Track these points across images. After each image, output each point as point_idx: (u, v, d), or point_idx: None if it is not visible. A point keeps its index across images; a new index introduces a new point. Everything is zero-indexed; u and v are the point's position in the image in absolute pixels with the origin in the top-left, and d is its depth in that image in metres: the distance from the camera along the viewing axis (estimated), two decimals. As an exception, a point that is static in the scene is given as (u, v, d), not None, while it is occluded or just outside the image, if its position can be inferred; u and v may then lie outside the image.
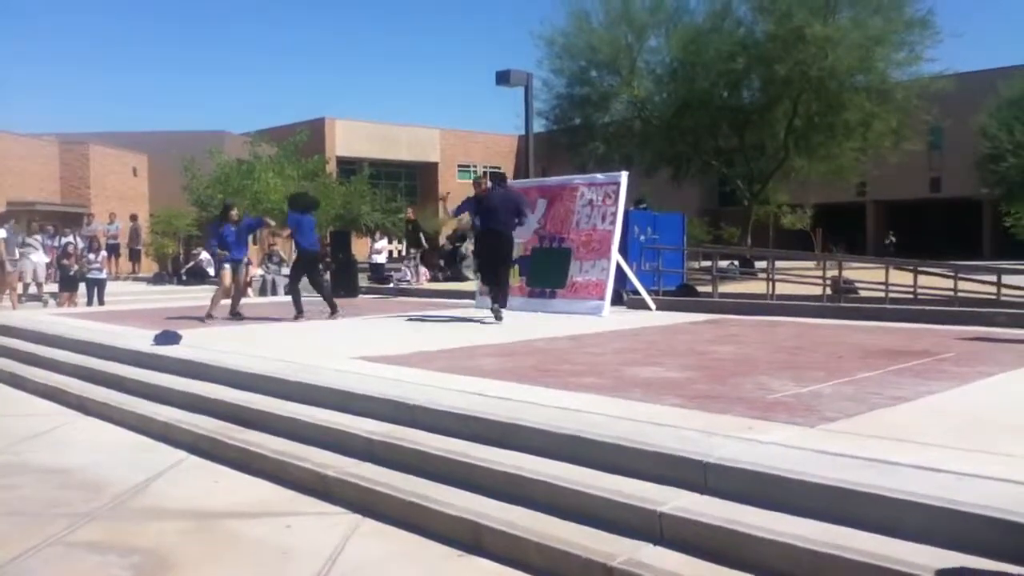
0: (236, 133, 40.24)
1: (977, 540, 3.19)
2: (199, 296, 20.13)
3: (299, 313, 11.96)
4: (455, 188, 58.76)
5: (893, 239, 40.47)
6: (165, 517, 4.84)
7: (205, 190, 28.81)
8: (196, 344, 8.79)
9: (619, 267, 12.59)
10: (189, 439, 6.31)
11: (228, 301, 12.50)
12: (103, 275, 18.86)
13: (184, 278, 23.24)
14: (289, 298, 12.44)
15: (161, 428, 6.67)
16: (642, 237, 15.18)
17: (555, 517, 4.07)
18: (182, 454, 6.15)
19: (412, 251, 22.83)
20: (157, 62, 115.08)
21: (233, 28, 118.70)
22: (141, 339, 9.17)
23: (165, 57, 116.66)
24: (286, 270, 23.07)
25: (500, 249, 11.26)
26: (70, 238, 22.05)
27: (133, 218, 27.23)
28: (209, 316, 11.79)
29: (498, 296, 11.25)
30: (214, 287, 21.84)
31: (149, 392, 7.52)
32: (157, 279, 24.18)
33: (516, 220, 11.30)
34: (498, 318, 11.04)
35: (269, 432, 5.97)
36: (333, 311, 12.07)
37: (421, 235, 22.93)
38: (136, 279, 25.02)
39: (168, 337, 8.91)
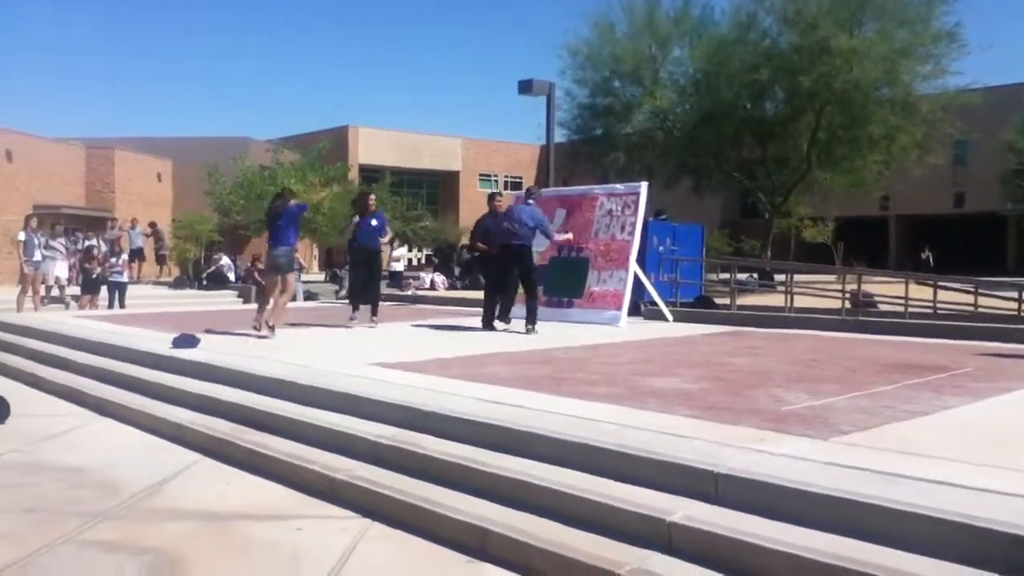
0: (260, 140, 40.60)
1: (991, 555, 3.16)
2: (220, 301, 20.33)
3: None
4: (476, 197, 58.84)
5: (930, 254, 39.65)
6: (177, 518, 4.86)
7: (228, 196, 29.02)
8: (214, 347, 8.84)
9: (637, 278, 12.56)
10: (202, 441, 6.35)
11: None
12: (124, 279, 19.04)
13: (205, 283, 23.39)
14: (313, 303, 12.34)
15: (175, 430, 6.71)
16: (661, 248, 15.13)
17: (563, 524, 4.06)
18: (195, 456, 6.18)
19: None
20: (184, 70, 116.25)
21: (259, 37, 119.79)
22: (159, 342, 9.24)
23: (192, 65, 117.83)
24: (305, 276, 23.26)
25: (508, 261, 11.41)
26: (93, 241, 22.28)
27: (152, 225, 27.49)
28: (271, 327, 10.14)
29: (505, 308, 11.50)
30: (232, 291, 22.10)
31: (165, 394, 7.57)
32: (178, 283, 24.36)
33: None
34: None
35: (282, 435, 5.99)
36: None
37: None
38: (157, 283, 25.22)
39: (186, 340, 8.97)
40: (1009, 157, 34.28)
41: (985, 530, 3.22)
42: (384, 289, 21.05)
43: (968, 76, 22.94)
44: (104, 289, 18.50)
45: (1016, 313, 11.29)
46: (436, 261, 29.08)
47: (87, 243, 21.99)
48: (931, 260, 38.40)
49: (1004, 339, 9.59)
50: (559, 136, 24.80)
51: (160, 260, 27.16)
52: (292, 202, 10.58)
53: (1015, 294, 11.79)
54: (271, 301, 10.47)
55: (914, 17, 21.95)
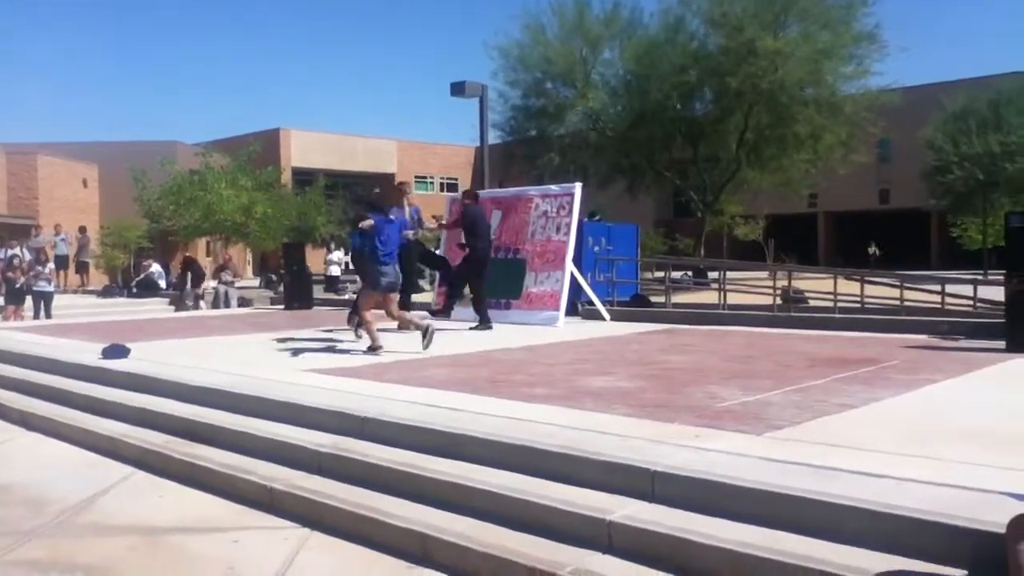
0: (188, 143, 39.79)
1: (915, 543, 3.27)
2: (151, 308, 19.89)
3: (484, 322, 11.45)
4: (411, 200, 58.39)
5: (877, 250, 40.08)
6: (110, 533, 4.76)
7: (156, 201, 28.42)
8: (145, 357, 8.66)
9: (573, 278, 12.64)
10: (137, 454, 6.21)
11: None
12: (50, 288, 18.53)
13: (134, 290, 22.88)
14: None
15: (108, 443, 6.56)
16: (596, 248, 15.23)
17: (504, 527, 4.08)
18: (129, 469, 6.05)
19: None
20: (108, 71, 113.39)
21: (187, 37, 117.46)
22: (88, 352, 9.01)
23: (117, 65, 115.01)
24: (239, 282, 22.87)
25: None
26: (16, 250, 21.59)
27: (82, 230, 26.75)
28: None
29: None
30: (164, 299, 21.61)
31: (96, 407, 7.39)
32: (107, 292, 23.76)
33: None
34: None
35: (218, 446, 5.90)
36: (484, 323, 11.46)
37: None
38: (85, 292, 24.56)
39: (117, 351, 8.76)
40: (929, 154, 35.40)
41: (908, 519, 3.33)
42: (320, 293, 20.90)
43: (888, 77, 23.72)
44: (29, 299, 17.97)
45: (939, 306, 11.64)
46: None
47: (10, 252, 21.31)
48: (878, 256, 38.98)
49: (928, 331, 9.89)
50: (493, 138, 24.88)
51: (80, 268, 26.21)
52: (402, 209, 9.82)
53: (938, 287, 12.16)
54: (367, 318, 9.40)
55: (836, 19, 22.56)
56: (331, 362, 8.16)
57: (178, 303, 20.74)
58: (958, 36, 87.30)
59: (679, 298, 15.68)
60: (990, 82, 36.02)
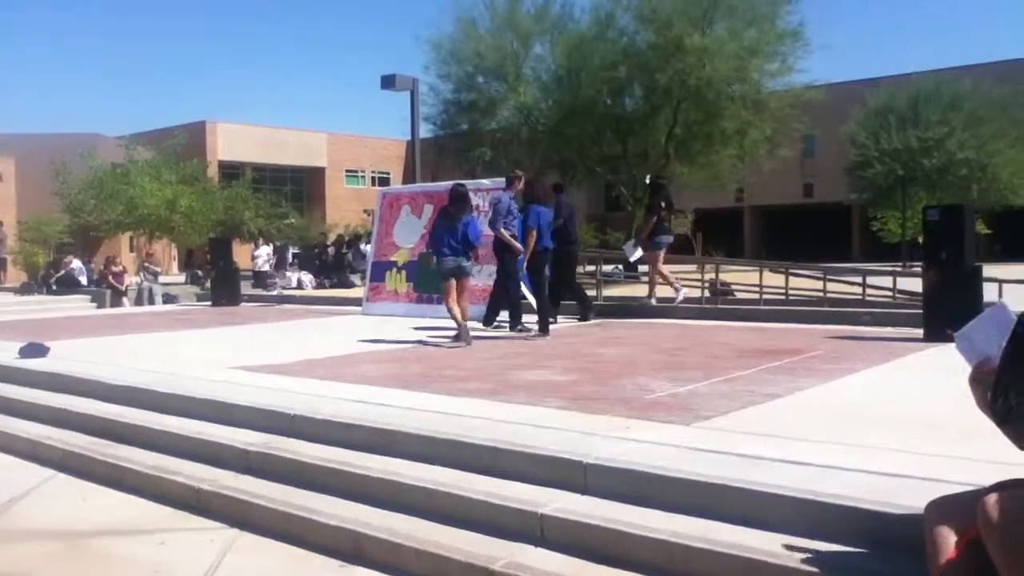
0: (110, 136, 38.76)
1: (836, 528, 3.35)
2: (71, 306, 19.31)
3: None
4: (342, 194, 57.72)
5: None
6: (30, 538, 4.61)
7: (77, 195, 27.61)
8: (66, 356, 8.40)
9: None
10: (57, 456, 6.03)
11: None
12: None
13: (55, 287, 22.18)
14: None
15: (27, 445, 6.35)
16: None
17: (436, 523, 4.07)
18: (49, 472, 5.87)
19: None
20: (25, 57, 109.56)
21: (110, 26, 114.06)
22: (4, 352, 8.71)
23: (34, 53, 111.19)
24: (164, 278, 22.35)
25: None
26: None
27: (-3, 224, 25.84)
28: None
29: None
30: (85, 296, 20.99)
31: (13, 408, 7.15)
32: (25, 289, 22.99)
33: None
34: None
35: (143, 447, 5.76)
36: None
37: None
38: (2, 290, 23.72)
39: (35, 349, 8.49)
40: (851, 150, 36.36)
41: (830, 505, 3.41)
42: (248, 289, 20.53)
43: (812, 74, 24.25)
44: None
45: (860, 298, 11.97)
46: (323, 259, 27.42)
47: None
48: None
49: (850, 322, 10.15)
50: (425, 131, 24.79)
51: None
52: None
53: (859, 279, 12.49)
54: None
55: (761, 17, 22.97)
56: (260, 359, 8.03)
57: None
58: (879, 35, 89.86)
59: (610, 291, 15.83)
60: (910, 80, 37.09)
